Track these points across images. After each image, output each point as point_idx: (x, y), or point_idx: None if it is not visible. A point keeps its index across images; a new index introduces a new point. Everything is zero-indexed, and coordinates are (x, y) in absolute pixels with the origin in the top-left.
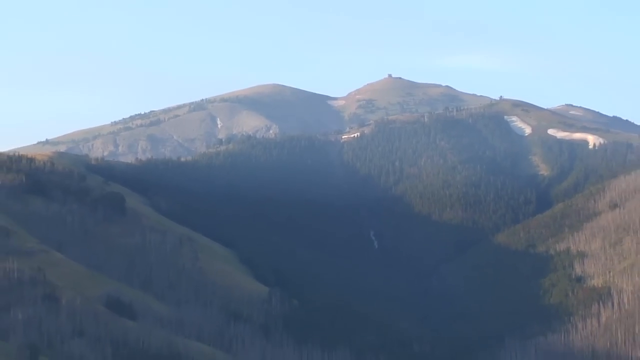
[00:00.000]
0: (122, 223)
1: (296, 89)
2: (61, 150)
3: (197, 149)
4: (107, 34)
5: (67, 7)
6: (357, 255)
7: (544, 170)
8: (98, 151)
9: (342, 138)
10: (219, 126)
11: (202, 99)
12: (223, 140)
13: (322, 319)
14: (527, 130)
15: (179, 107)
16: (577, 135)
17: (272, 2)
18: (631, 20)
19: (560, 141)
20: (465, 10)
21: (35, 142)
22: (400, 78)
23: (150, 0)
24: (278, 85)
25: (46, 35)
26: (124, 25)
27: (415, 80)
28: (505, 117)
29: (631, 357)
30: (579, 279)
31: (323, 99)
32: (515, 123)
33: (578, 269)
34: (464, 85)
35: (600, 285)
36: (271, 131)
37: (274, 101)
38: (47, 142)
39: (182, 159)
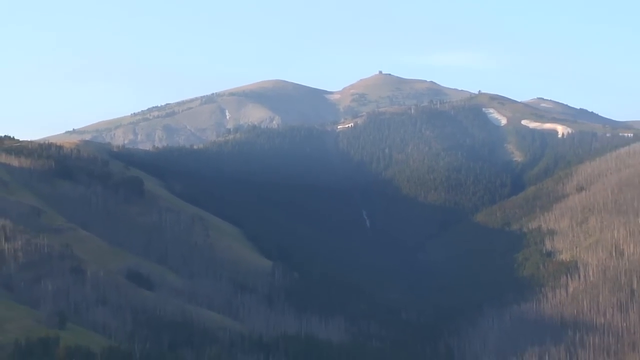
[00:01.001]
0: (141, 204)
1: (296, 84)
2: (86, 138)
3: (208, 137)
4: (129, 34)
5: (93, 8)
6: (351, 233)
7: (517, 156)
8: (119, 139)
9: (337, 128)
10: (228, 117)
11: (213, 93)
12: (231, 130)
13: (319, 289)
14: (503, 121)
15: (191, 100)
16: (548, 126)
17: (275, 6)
18: (596, 21)
19: (533, 131)
20: (449, 13)
21: (63, 132)
22: (389, 74)
23: (169, 7)
24: (280, 80)
25: (74, 35)
26: (143, 26)
27: (403, 77)
28: (483, 109)
29: (595, 324)
30: (549, 254)
31: (320, 93)
32: (492, 114)
33: (548, 245)
34: (446, 81)
35: (568, 260)
36: (274, 122)
37: (276, 95)
38: (73, 131)
39: (195, 147)
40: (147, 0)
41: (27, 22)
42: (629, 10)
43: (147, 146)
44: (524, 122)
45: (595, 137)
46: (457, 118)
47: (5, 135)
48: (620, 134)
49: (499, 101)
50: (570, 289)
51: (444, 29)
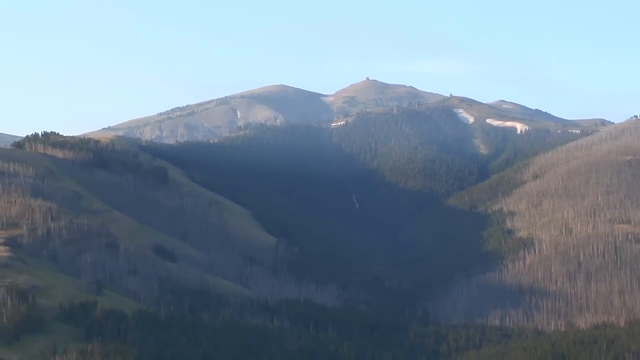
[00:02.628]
0: (165, 189)
1: (297, 88)
2: (119, 134)
3: (222, 133)
4: (157, 45)
5: (127, 22)
6: (342, 214)
7: (483, 150)
8: (147, 135)
9: (331, 126)
10: (239, 116)
11: (226, 96)
12: (242, 127)
13: (316, 261)
14: (471, 120)
15: (208, 102)
16: (508, 124)
17: (280, 22)
18: (549, 34)
19: (495, 128)
20: (426, 27)
21: (100, 128)
22: (375, 80)
23: (191, 23)
24: (283, 85)
25: (111, 44)
26: (168, 38)
27: (386, 82)
28: (454, 109)
29: (548, 291)
30: (509, 232)
31: (317, 96)
32: (462, 114)
33: (508, 224)
34: (423, 85)
35: (525, 236)
36: (278, 120)
37: (280, 98)
38: (109, 128)
39: (211, 142)
40: (171, 18)
41: (70, 36)
42: (578, 25)
43: (170, 141)
44: (488, 120)
45: (548, 133)
46: (432, 117)
47: (51, 132)
48: (570, 131)
49: (467, 103)
50: (527, 261)
51: (422, 40)
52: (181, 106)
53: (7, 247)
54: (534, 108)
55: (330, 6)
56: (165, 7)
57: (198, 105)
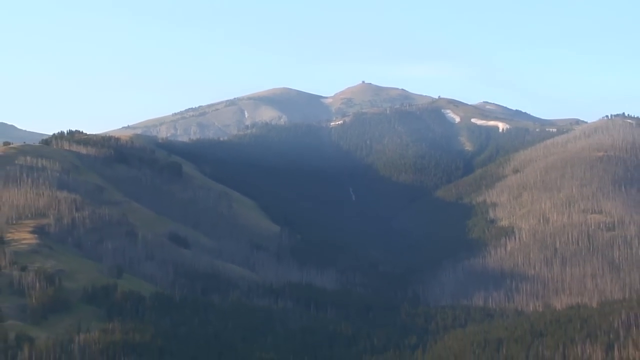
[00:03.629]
0: (180, 183)
1: (299, 90)
2: (138, 132)
3: (231, 132)
4: (171, 51)
5: (145, 30)
6: (340, 205)
7: (468, 147)
8: (163, 133)
9: (330, 125)
10: (246, 116)
11: (235, 98)
12: (249, 126)
13: (316, 248)
14: (457, 120)
15: (218, 103)
16: (491, 123)
17: (284, 31)
18: (528, 41)
19: (480, 127)
20: (416, 35)
21: (120, 127)
22: (370, 83)
23: (204, 31)
24: (287, 88)
25: (130, 50)
26: (181, 45)
27: (380, 85)
28: (442, 110)
29: (527, 275)
30: (492, 221)
31: (317, 98)
32: (449, 114)
33: (491, 214)
34: (413, 88)
35: (506, 225)
36: (282, 120)
37: (284, 99)
38: (128, 126)
39: (221, 139)
40: (186, 26)
41: (93, 43)
42: (556, 31)
43: (184, 138)
44: (473, 120)
45: (527, 132)
46: (422, 117)
47: (75, 130)
48: (547, 130)
49: (454, 104)
50: (508, 248)
51: (412, 47)
52: (194, 107)
53: (36, 235)
54: (514, 109)
55: (330, 16)
56: (180, 17)
57: (209, 106)
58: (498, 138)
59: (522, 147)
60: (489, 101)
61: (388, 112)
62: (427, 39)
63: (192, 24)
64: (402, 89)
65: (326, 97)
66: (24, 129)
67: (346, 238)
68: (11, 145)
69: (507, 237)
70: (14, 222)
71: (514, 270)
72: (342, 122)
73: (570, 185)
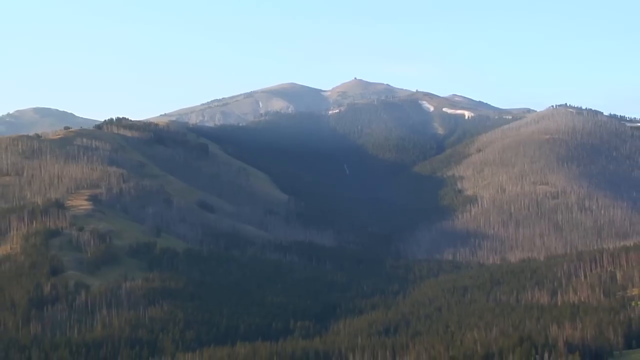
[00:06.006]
0: (207, 160)
1: (303, 85)
2: (172, 119)
3: (248, 119)
4: (200, 51)
5: (179, 34)
6: (337, 178)
7: (440, 131)
8: (193, 120)
9: (328, 113)
10: (260, 106)
11: (251, 91)
12: (263, 114)
13: (318, 213)
14: (431, 109)
15: (238, 95)
16: (459, 111)
17: (291, 34)
18: (488, 40)
19: (449, 115)
20: (398, 39)
21: (158, 115)
22: (361, 79)
23: (227, 36)
24: (293, 83)
25: (168, 50)
26: (210, 48)
27: (369, 81)
28: (419, 101)
29: (488, 234)
30: (459, 191)
31: (318, 91)
32: (425, 105)
33: (459, 185)
34: (396, 83)
35: (471, 194)
36: (289, 109)
37: (291, 92)
38: (165, 114)
39: (240, 125)
40: (214, 30)
41: (136, 43)
42: (508, 31)
43: (210, 124)
44: (444, 109)
45: (488, 118)
46: (403, 107)
47: (122, 117)
48: (504, 117)
49: (429, 96)
50: (472, 213)
51: (395, 49)
52: (218, 98)
53: (91, 202)
54: (477, 100)
55: (330, 24)
56: (212, 25)
57: (230, 97)
58: (464, 124)
59: (484, 131)
60: (457, 94)
61: (375, 103)
62: (407, 43)
63: (222, 32)
64: (387, 84)
65: (325, 91)
66: (81, 116)
67: (341, 205)
68: (71, 130)
69: (471, 204)
70: (73, 191)
71: (477, 231)
72: (338, 111)
73: (522, 162)
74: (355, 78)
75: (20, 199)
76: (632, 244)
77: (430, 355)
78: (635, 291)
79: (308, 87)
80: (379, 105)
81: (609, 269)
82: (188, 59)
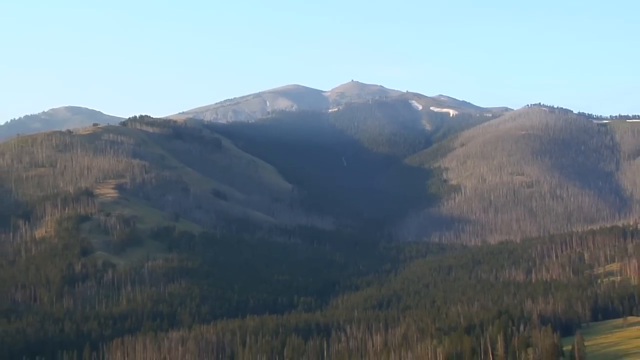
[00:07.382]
0: (220, 153)
1: (306, 86)
2: (190, 116)
3: (257, 117)
4: (214, 54)
5: (193, 38)
6: (336, 169)
7: (428, 127)
8: (208, 117)
9: (328, 111)
10: (268, 105)
11: (260, 92)
12: (270, 112)
13: (319, 200)
14: (420, 107)
15: (248, 95)
16: (445, 110)
17: (296, 40)
18: (469, 44)
19: (436, 113)
20: (390, 44)
21: (177, 112)
22: (357, 81)
23: (240, 39)
24: (297, 84)
25: (189, 55)
26: (223, 51)
27: (364, 82)
28: (409, 101)
29: (470, 219)
30: (445, 181)
31: (319, 92)
32: (414, 104)
33: (445, 176)
34: (389, 84)
35: (455, 184)
36: (293, 108)
37: (295, 92)
38: (182, 112)
39: (250, 122)
40: (227, 35)
41: (155, 47)
42: (491, 34)
43: (223, 121)
44: (431, 108)
45: (470, 116)
46: (395, 106)
47: (145, 115)
48: (484, 115)
49: (418, 96)
50: (456, 200)
51: (388, 53)
52: (230, 98)
53: (116, 191)
54: (461, 99)
55: (330, 30)
56: (224, 31)
57: (241, 97)
58: (449, 121)
59: (467, 128)
60: (443, 94)
61: (370, 102)
62: (398, 49)
63: (234, 39)
64: (380, 85)
65: (325, 92)
66: (108, 114)
67: (340, 193)
68: (99, 126)
69: (455, 193)
70: (101, 181)
71: (461, 216)
72: (337, 109)
73: (501, 155)
74: (352, 80)
75: (54, 187)
76: (598, 228)
77: (419, 327)
78: (600, 270)
79: (310, 88)
80: (373, 104)
81: (577, 250)
82: (203, 63)
